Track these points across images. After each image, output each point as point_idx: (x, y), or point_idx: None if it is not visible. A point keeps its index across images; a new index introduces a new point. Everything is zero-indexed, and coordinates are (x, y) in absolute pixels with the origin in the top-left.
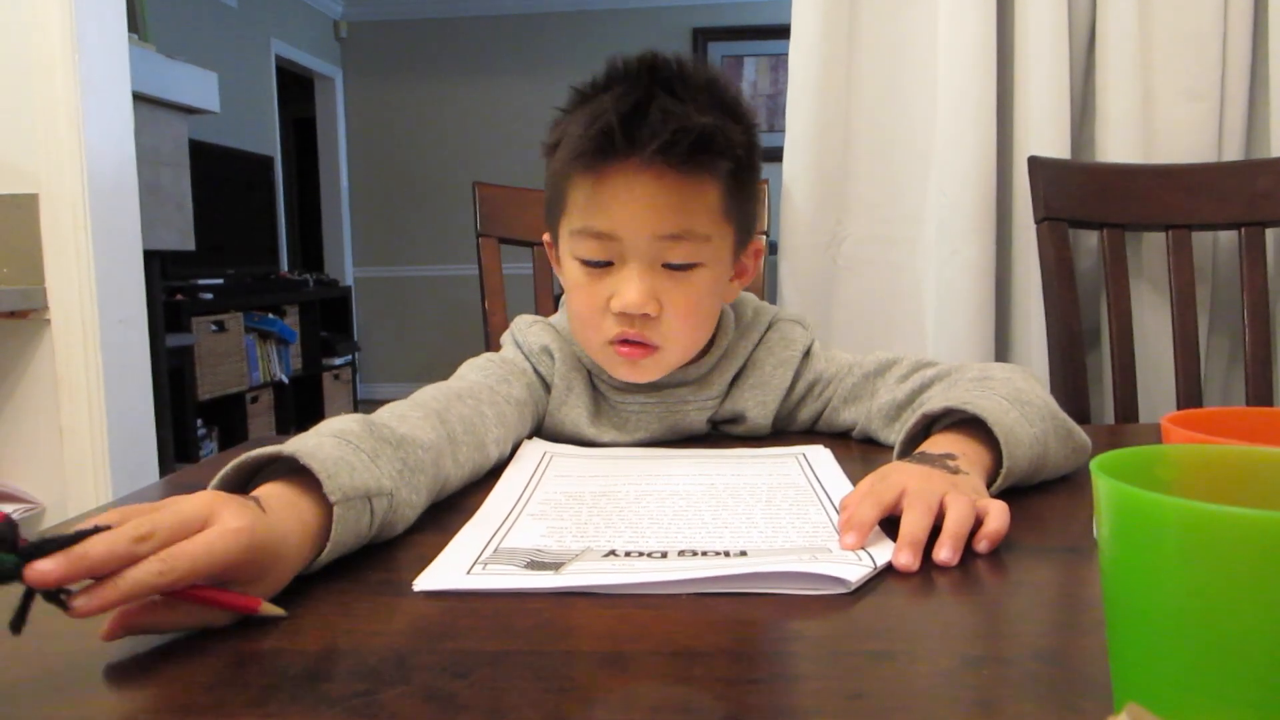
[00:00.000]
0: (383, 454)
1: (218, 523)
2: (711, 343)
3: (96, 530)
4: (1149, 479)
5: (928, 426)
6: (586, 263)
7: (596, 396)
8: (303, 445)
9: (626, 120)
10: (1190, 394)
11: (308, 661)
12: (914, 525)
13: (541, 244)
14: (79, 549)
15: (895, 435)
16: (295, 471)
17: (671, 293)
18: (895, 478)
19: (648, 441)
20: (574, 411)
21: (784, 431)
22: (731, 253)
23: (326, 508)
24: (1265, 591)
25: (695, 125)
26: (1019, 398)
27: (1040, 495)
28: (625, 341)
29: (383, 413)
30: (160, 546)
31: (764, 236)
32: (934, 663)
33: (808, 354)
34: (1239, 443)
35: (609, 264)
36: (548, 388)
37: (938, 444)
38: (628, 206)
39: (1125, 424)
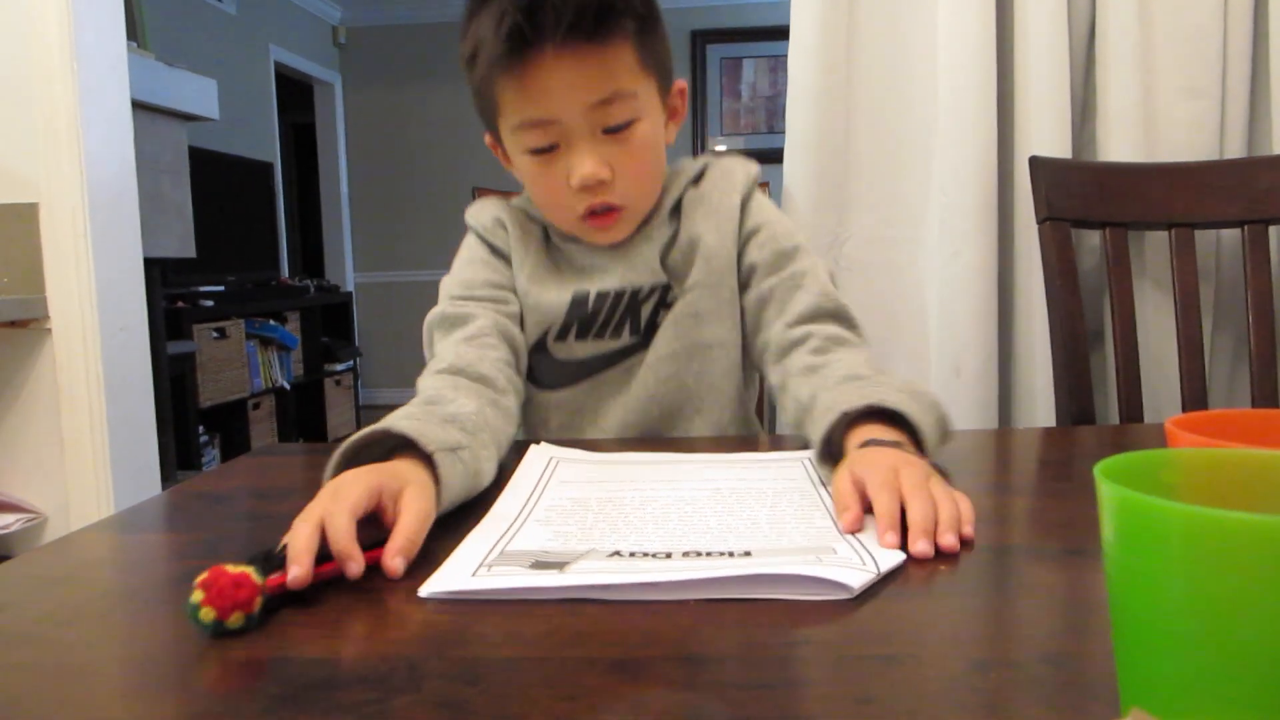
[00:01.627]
0: (446, 426)
1: (412, 500)
2: None
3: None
4: (1154, 483)
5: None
6: (535, 151)
7: (552, 251)
8: (390, 424)
9: (529, 13)
10: (1195, 393)
11: (319, 669)
12: (923, 516)
13: None
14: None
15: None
16: (389, 452)
17: (619, 155)
18: (885, 461)
19: (615, 288)
20: (538, 273)
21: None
22: (659, 99)
23: (427, 468)
24: (1270, 596)
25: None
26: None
27: (1046, 497)
28: (593, 214)
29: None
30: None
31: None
32: (942, 667)
33: (753, 187)
34: (1244, 446)
35: (555, 147)
36: (508, 262)
37: (866, 436)
38: (555, 90)
39: (1130, 424)
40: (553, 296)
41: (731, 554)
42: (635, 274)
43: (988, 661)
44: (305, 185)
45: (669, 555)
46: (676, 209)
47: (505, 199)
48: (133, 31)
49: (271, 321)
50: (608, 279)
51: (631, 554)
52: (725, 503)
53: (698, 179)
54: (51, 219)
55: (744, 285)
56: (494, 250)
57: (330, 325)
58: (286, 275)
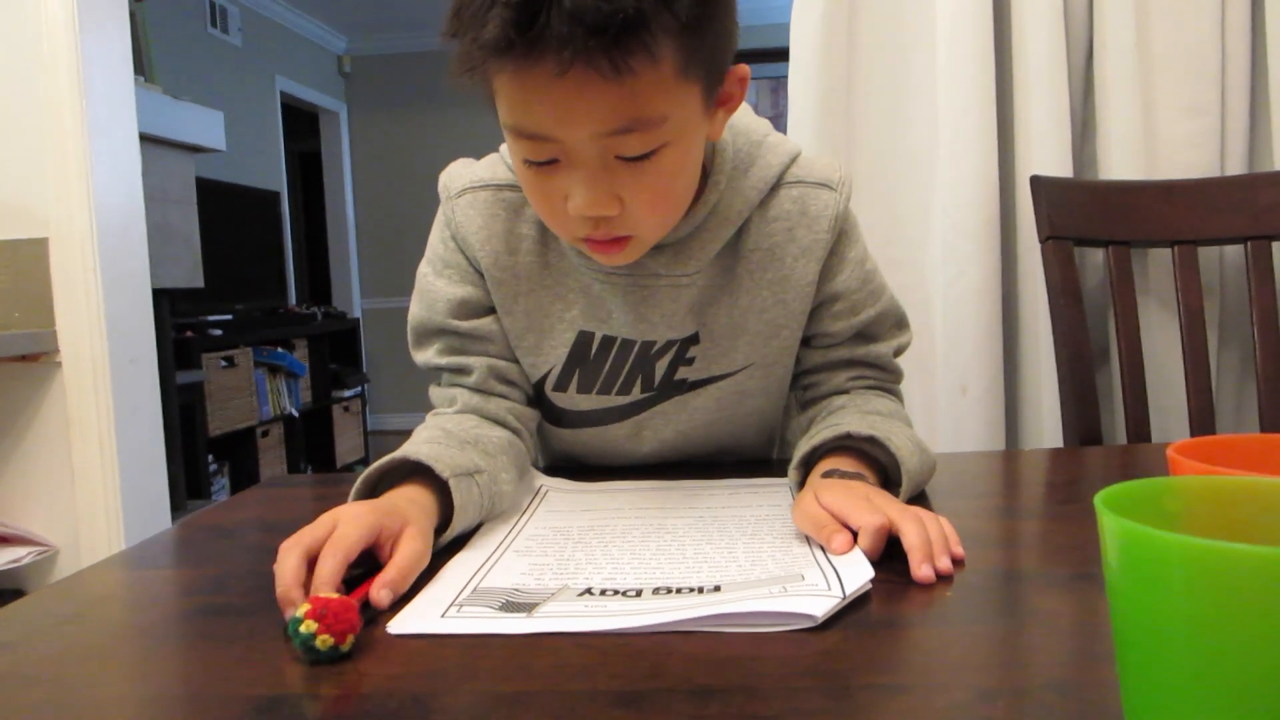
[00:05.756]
0: (465, 448)
1: (408, 540)
2: (698, 194)
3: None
4: (1156, 511)
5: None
6: (529, 162)
7: (553, 255)
8: (408, 450)
9: (519, 19)
10: (1202, 411)
11: (326, 706)
12: (921, 540)
13: None
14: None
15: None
16: (408, 475)
17: (632, 185)
18: (859, 490)
19: (624, 338)
20: (534, 303)
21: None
22: (701, 104)
23: (440, 493)
24: (1272, 626)
25: (617, 8)
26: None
27: (1053, 520)
28: (594, 239)
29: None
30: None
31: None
32: (949, 696)
33: (837, 231)
34: (1247, 473)
35: (555, 161)
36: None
37: (834, 465)
38: (555, 108)
39: (1136, 445)
40: (551, 341)
41: (701, 589)
42: (651, 328)
43: (995, 690)
44: (312, 213)
45: (639, 593)
46: (732, 245)
47: (498, 188)
48: (140, 65)
49: (279, 349)
50: (615, 323)
51: (603, 591)
52: (706, 531)
53: (765, 200)
54: (61, 253)
55: (805, 339)
56: (470, 260)
57: (338, 352)
58: (294, 303)
